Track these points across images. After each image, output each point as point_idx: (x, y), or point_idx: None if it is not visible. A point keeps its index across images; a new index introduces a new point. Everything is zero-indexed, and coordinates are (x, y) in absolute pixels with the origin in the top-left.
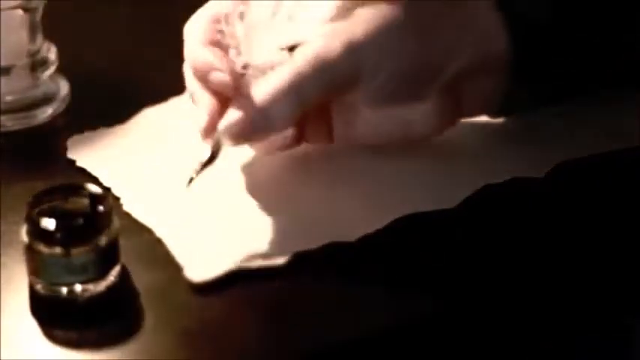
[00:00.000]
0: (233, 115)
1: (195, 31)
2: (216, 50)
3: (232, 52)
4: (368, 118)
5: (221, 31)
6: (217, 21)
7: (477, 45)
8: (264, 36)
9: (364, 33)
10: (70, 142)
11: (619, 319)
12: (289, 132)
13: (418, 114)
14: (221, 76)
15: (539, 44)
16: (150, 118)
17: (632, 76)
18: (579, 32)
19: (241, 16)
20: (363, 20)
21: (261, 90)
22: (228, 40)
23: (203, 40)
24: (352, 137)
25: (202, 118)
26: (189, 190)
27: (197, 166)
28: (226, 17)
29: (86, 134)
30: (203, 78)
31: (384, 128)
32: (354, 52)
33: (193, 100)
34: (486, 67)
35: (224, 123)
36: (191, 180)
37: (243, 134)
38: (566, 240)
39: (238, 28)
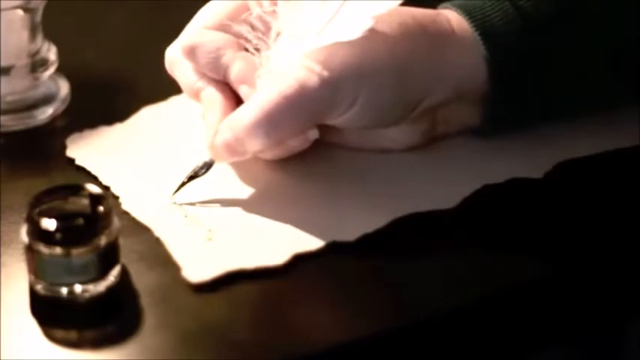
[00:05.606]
0: (217, 138)
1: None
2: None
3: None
4: (350, 130)
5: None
6: (242, 10)
7: (455, 81)
8: (290, 40)
9: (342, 66)
10: (69, 141)
11: (618, 320)
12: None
13: (397, 131)
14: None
15: (517, 74)
16: (149, 116)
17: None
18: (557, 58)
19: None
20: (342, 53)
21: (239, 119)
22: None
23: (210, 25)
24: (343, 142)
25: (211, 122)
26: (173, 199)
27: (188, 174)
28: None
29: (85, 132)
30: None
31: (366, 138)
32: (331, 85)
33: (202, 100)
34: (463, 99)
35: (210, 143)
36: (179, 188)
37: (220, 158)
38: (566, 240)
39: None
